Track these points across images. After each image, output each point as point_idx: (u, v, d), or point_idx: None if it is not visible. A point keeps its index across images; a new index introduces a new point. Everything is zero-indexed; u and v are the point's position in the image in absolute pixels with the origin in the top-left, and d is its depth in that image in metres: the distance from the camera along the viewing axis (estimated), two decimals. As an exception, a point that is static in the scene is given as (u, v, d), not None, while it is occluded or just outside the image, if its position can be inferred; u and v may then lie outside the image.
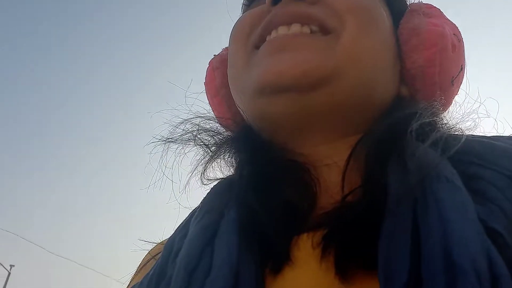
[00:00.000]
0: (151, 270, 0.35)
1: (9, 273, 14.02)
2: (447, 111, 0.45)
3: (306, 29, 0.38)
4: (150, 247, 0.44)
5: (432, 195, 0.26)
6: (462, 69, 0.44)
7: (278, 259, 0.29)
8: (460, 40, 0.43)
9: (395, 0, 0.45)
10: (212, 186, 0.39)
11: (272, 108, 0.37)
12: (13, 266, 14.20)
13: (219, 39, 0.50)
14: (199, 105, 0.44)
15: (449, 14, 0.45)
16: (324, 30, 0.38)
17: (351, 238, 0.28)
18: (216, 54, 0.51)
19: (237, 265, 0.28)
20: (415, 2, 0.46)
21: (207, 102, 0.48)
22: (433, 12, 0.44)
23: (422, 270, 0.23)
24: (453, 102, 0.45)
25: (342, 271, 0.27)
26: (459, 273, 0.22)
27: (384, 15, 0.41)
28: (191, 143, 0.40)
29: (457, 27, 0.44)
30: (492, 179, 0.28)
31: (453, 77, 0.42)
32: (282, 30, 0.38)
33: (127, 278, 0.42)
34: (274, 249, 0.30)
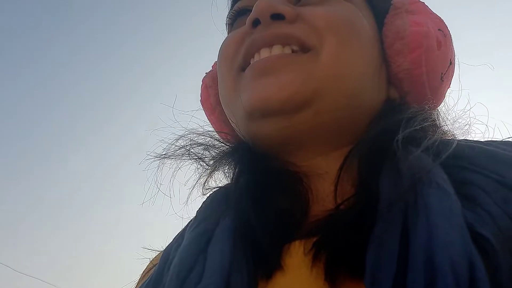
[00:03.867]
0: (148, 277, 0.36)
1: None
2: (439, 108, 0.45)
3: (287, 50, 0.38)
4: (152, 255, 0.45)
5: (422, 200, 0.26)
6: (451, 63, 0.43)
7: (269, 266, 0.30)
8: (446, 35, 0.42)
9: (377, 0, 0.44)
10: (208, 195, 0.40)
11: (262, 130, 0.38)
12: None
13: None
14: (194, 121, 0.45)
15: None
16: (305, 49, 0.38)
17: (341, 244, 0.28)
18: (208, 71, 0.52)
19: (229, 272, 0.29)
20: None
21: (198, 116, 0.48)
22: (417, 8, 0.43)
23: (408, 277, 0.23)
24: (445, 96, 0.45)
25: (331, 277, 0.28)
26: (438, 275, 0.22)
27: (365, 26, 0.41)
28: (186, 158, 0.42)
29: (442, 21, 0.43)
30: (482, 184, 0.28)
31: (442, 73, 0.42)
32: (264, 53, 0.39)
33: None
34: (266, 256, 0.31)
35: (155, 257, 0.45)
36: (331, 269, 0.28)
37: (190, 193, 0.41)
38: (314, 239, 0.30)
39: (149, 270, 0.43)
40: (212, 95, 0.49)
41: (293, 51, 0.38)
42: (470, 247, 0.23)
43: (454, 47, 0.44)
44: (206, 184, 0.42)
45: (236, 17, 0.46)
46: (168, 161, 0.42)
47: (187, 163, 0.42)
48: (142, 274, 0.45)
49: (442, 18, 0.44)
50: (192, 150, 0.42)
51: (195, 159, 0.42)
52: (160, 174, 0.41)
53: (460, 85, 0.44)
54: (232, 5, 0.47)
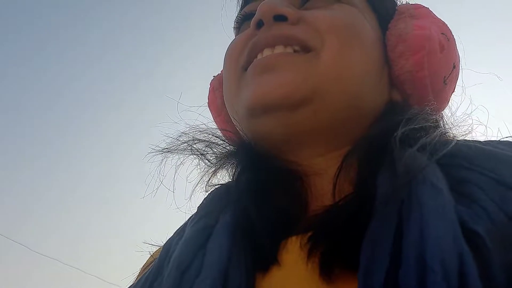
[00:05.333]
0: (148, 269, 0.37)
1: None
2: (443, 111, 0.45)
3: (289, 49, 0.39)
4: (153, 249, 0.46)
5: (416, 198, 0.27)
6: (455, 67, 0.43)
7: (267, 261, 0.31)
8: (449, 38, 0.43)
9: (381, 5, 0.45)
10: (209, 192, 0.41)
11: (262, 127, 0.39)
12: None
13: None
14: (199, 120, 0.46)
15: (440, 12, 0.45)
16: (306, 49, 0.39)
17: (336, 239, 0.29)
18: (215, 75, 0.53)
19: (227, 266, 0.29)
20: (403, 3, 0.46)
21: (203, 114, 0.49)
22: (421, 13, 0.43)
23: (400, 271, 0.24)
24: (449, 100, 0.45)
25: (326, 272, 0.28)
26: (428, 270, 0.23)
27: (368, 29, 0.41)
28: (188, 153, 0.42)
29: (446, 26, 0.44)
30: (479, 182, 0.28)
31: (445, 76, 0.42)
32: (266, 52, 0.40)
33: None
34: (263, 251, 0.31)
35: (155, 251, 0.46)
36: (326, 263, 0.28)
37: (193, 190, 0.42)
38: (311, 233, 0.30)
39: (149, 264, 0.43)
40: (218, 97, 0.50)
41: (294, 51, 0.39)
42: (460, 243, 0.24)
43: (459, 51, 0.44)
44: (209, 181, 0.42)
45: (243, 21, 0.48)
46: (171, 156, 0.42)
47: (189, 158, 0.42)
48: (142, 267, 0.45)
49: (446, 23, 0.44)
50: (194, 146, 0.42)
51: (197, 154, 0.42)
52: (163, 168, 0.42)
53: (463, 85, 0.45)
54: (240, 10, 0.48)
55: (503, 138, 0.35)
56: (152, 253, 0.46)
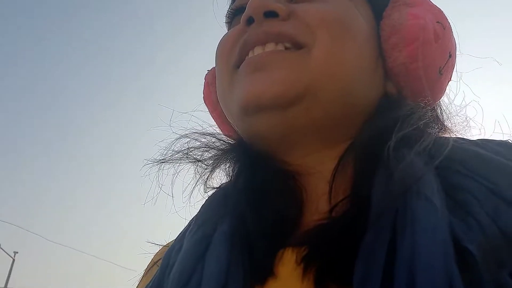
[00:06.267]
0: (150, 282, 0.37)
1: (14, 260, 14.45)
2: (441, 101, 0.44)
3: (280, 47, 0.38)
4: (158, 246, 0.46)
5: (410, 213, 0.26)
6: (451, 56, 0.42)
7: (263, 273, 0.31)
8: (445, 27, 0.41)
9: None
10: (207, 197, 0.41)
11: (256, 126, 0.38)
12: (17, 252, 14.69)
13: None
14: (195, 121, 0.46)
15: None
16: (298, 46, 0.38)
17: (332, 256, 0.29)
18: (209, 69, 0.52)
19: (225, 279, 0.30)
20: None
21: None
22: (416, 0, 0.42)
23: None
24: (446, 89, 0.44)
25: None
26: None
27: (360, 21, 0.40)
28: (184, 161, 0.42)
29: (442, 13, 0.42)
30: (474, 190, 0.28)
31: (440, 67, 0.41)
32: (257, 50, 0.39)
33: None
34: (260, 263, 0.31)
35: (158, 251, 0.46)
36: (321, 280, 0.28)
37: (191, 193, 0.42)
38: (306, 249, 0.30)
39: (153, 265, 0.44)
40: (213, 92, 0.49)
41: (286, 48, 0.38)
42: (452, 268, 0.23)
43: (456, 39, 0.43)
44: (207, 182, 0.42)
45: (234, 16, 0.46)
46: (168, 164, 0.42)
47: (187, 165, 0.42)
48: (145, 269, 0.45)
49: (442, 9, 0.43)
50: (190, 153, 0.42)
51: (193, 161, 0.42)
52: (161, 176, 0.42)
53: (457, 78, 0.43)
54: (231, 4, 0.47)
55: (503, 140, 0.34)
56: (154, 255, 0.46)
